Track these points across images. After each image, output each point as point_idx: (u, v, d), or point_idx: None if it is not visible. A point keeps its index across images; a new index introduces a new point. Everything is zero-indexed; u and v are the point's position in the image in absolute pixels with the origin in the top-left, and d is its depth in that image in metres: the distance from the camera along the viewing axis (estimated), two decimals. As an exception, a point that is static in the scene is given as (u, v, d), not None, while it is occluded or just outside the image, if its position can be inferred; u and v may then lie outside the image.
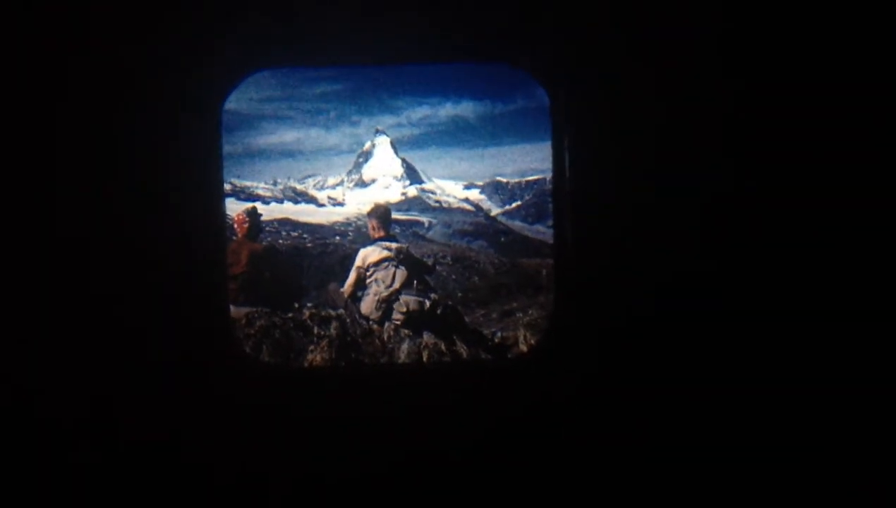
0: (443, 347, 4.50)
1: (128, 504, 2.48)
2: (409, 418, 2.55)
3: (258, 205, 6.60)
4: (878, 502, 2.55)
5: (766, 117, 2.47)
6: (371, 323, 4.72)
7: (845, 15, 2.46)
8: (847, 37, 2.45)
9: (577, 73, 2.50)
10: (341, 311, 4.80)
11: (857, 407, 2.53)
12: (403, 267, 4.88)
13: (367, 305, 4.80)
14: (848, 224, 2.50)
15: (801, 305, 2.52)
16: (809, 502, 2.56)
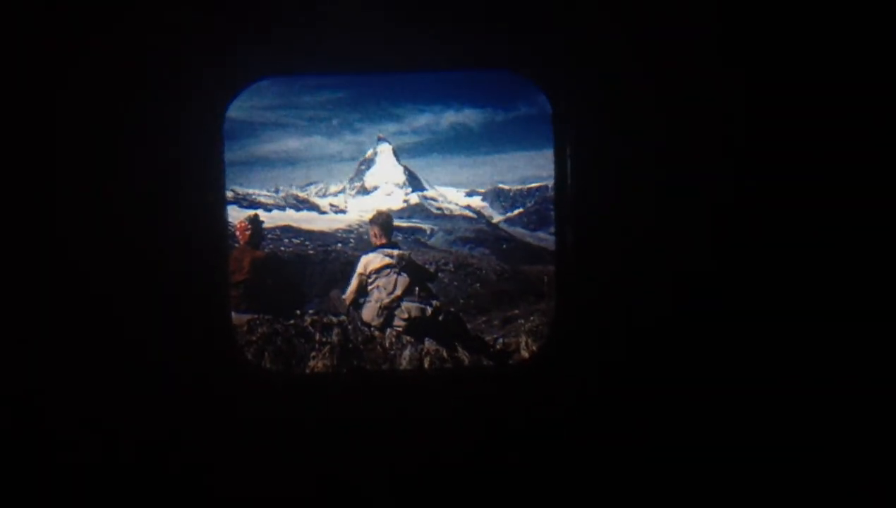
0: (444, 354, 4.49)
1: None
2: (410, 424, 2.54)
3: (260, 212, 6.61)
4: (878, 502, 2.54)
5: (767, 118, 2.47)
6: (373, 329, 4.71)
7: (845, 15, 2.46)
8: (847, 37, 2.45)
9: (577, 76, 2.51)
10: (343, 318, 4.79)
11: (857, 407, 2.52)
12: (405, 274, 4.88)
13: (369, 312, 4.80)
14: (848, 224, 2.50)
15: (801, 305, 2.51)
16: (809, 502, 2.55)
